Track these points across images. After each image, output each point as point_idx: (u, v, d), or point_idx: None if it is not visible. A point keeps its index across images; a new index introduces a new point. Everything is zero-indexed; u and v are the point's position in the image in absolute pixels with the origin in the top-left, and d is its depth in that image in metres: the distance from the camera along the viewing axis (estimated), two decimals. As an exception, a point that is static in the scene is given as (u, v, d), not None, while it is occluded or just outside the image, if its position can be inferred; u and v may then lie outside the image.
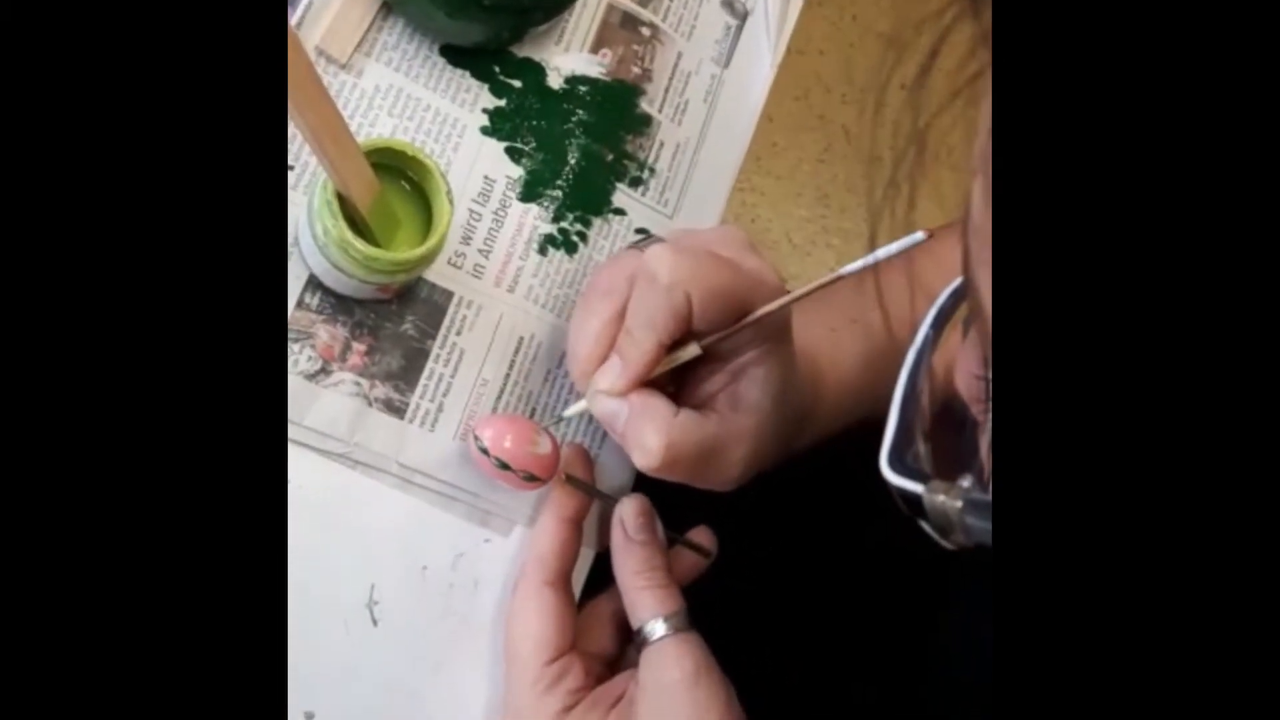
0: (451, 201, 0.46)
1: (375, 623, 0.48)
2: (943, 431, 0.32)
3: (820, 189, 1.53)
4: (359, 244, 0.44)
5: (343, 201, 0.44)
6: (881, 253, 0.39)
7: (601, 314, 0.47)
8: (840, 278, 0.42)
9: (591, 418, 0.54)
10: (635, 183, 0.57)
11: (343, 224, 0.43)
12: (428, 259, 0.46)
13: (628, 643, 0.52)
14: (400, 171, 0.47)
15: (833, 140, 1.54)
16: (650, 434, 0.45)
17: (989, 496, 0.28)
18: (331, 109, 0.42)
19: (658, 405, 0.46)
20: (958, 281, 0.33)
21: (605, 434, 0.54)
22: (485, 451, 0.47)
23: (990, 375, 0.25)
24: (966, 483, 0.28)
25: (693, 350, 0.47)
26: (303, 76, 0.40)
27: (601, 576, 0.52)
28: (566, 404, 0.53)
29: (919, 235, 0.38)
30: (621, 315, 0.46)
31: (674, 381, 0.49)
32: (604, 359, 0.47)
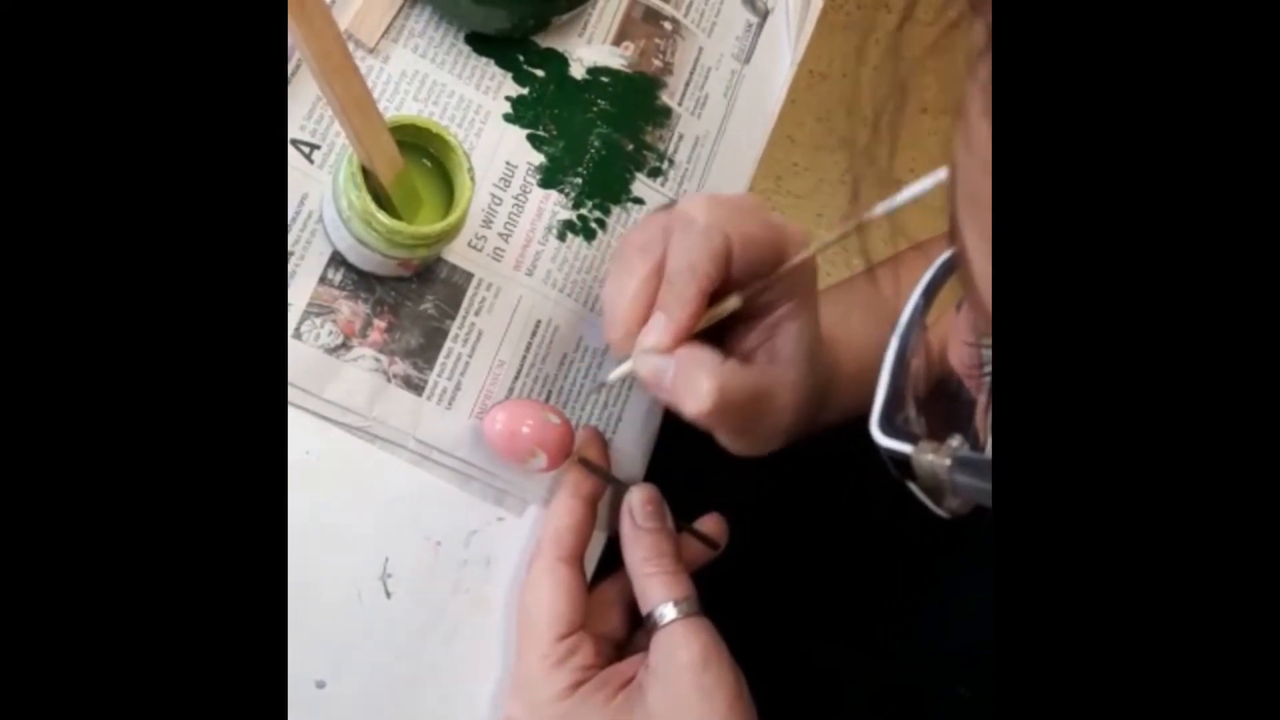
0: (473, 178, 0.47)
1: (388, 595, 0.49)
2: (935, 402, 0.33)
3: (841, 209, 1.54)
4: (382, 216, 0.44)
5: (367, 176, 0.45)
6: (907, 193, 0.38)
7: (639, 271, 0.46)
8: (868, 220, 0.41)
9: (608, 403, 0.55)
10: (654, 173, 0.58)
11: (366, 196, 0.44)
12: (449, 234, 0.47)
13: (637, 627, 0.53)
14: (424, 151, 0.48)
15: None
16: (702, 377, 0.44)
17: (979, 454, 0.28)
18: (358, 81, 0.43)
19: (705, 353, 0.45)
20: (949, 254, 0.33)
21: (619, 419, 0.55)
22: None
23: (990, 331, 0.25)
24: (955, 442, 0.29)
25: (734, 302, 0.46)
26: (331, 47, 0.41)
27: (611, 561, 0.53)
28: (600, 370, 0.53)
29: (941, 174, 0.38)
30: (659, 271, 0.46)
31: (713, 343, 0.49)
32: (644, 318, 0.46)
